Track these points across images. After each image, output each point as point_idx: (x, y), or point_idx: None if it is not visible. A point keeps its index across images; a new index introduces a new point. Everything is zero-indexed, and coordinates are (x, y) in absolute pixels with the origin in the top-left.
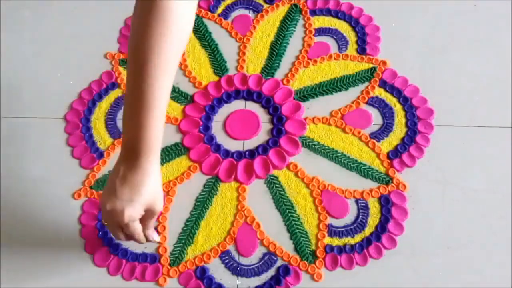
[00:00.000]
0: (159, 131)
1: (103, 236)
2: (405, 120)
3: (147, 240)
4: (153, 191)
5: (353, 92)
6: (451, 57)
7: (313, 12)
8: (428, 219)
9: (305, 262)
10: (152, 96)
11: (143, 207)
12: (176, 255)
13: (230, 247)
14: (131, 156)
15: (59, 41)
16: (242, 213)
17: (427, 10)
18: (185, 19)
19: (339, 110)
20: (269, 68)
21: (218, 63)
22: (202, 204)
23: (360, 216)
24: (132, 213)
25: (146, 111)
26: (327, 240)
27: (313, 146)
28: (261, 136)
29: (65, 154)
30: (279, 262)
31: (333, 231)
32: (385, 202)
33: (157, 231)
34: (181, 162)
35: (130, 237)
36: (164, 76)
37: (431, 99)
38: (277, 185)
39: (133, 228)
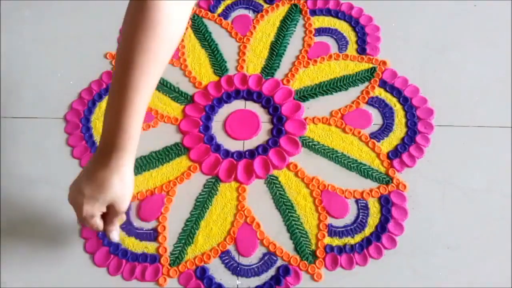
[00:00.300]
0: (135, 130)
1: (103, 236)
2: (405, 120)
3: (107, 236)
4: (118, 191)
5: (353, 92)
6: (451, 57)
7: (313, 12)
8: (428, 219)
9: (305, 262)
10: (133, 93)
11: (104, 205)
12: (176, 255)
13: (230, 247)
14: (103, 153)
15: (59, 41)
16: (242, 213)
17: (427, 10)
18: (176, 22)
19: (339, 110)
20: (269, 68)
21: (218, 63)
22: (202, 204)
23: (360, 216)
24: (89, 209)
25: (125, 106)
26: (327, 240)
27: (313, 146)
28: (261, 136)
29: (65, 154)
30: (279, 262)
31: (333, 231)
32: (385, 202)
33: (157, 231)
34: (181, 162)
35: (89, 226)
36: (148, 75)
37: (431, 99)
38: (277, 185)
39: (91, 223)
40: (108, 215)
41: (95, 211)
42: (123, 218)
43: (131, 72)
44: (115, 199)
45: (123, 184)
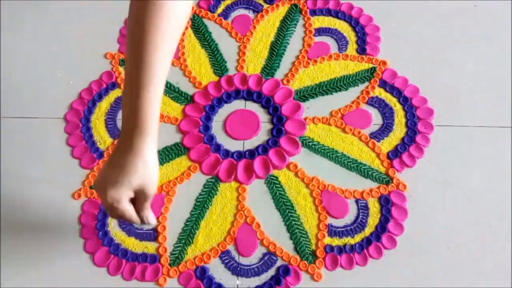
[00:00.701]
0: (154, 111)
1: (103, 236)
2: (405, 120)
3: (142, 222)
4: (144, 174)
5: (353, 92)
6: (451, 57)
7: (313, 12)
8: (428, 219)
9: (305, 262)
10: (148, 73)
11: (130, 189)
12: (176, 255)
13: (230, 247)
14: (125, 138)
15: (59, 41)
16: (242, 213)
17: (427, 10)
18: (182, 6)
19: (339, 110)
20: (269, 68)
21: (218, 63)
22: (202, 204)
23: (360, 216)
24: (114, 195)
25: (141, 88)
26: (327, 240)
27: (313, 146)
28: (261, 136)
29: (65, 154)
30: (279, 262)
31: (333, 231)
32: (385, 202)
33: (157, 231)
34: (181, 162)
35: (122, 217)
36: (161, 54)
37: (431, 99)
38: (277, 185)
39: (120, 209)
40: (137, 202)
41: (121, 195)
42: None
43: (144, 53)
44: (142, 183)
45: (147, 167)
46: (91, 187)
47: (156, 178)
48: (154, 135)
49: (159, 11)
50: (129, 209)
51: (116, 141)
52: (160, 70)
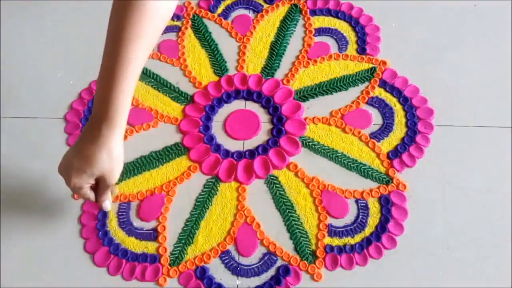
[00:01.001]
0: (124, 103)
1: (103, 236)
2: (405, 120)
3: (100, 206)
4: (106, 164)
5: (353, 92)
6: (451, 57)
7: (313, 12)
8: (428, 219)
9: (305, 262)
10: (122, 66)
11: (92, 178)
12: (176, 255)
13: (230, 247)
14: (92, 127)
15: (59, 41)
16: (242, 213)
17: (427, 10)
18: (161, 10)
19: (339, 110)
20: (269, 68)
21: (218, 63)
22: (202, 204)
23: (360, 216)
24: (77, 182)
25: (113, 80)
26: (327, 240)
27: (313, 146)
28: (261, 136)
29: None
30: (279, 262)
31: (333, 231)
32: (385, 202)
33: (157, 231)
34: (181, 162)
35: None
36: (137, 49)
37: (431, 99)
38: (277, 185)
39: (81, 194)
40: (98, 188)
41: (83, 183)
42: (114, 191)
43: (121, 47)
44: (104, 173)
45: (111, 158)
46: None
47: (119, 168)
48: (122, 127)
49: (141, 8)
50: (89, 194)
51: (83, 128)
52: (134, 65)
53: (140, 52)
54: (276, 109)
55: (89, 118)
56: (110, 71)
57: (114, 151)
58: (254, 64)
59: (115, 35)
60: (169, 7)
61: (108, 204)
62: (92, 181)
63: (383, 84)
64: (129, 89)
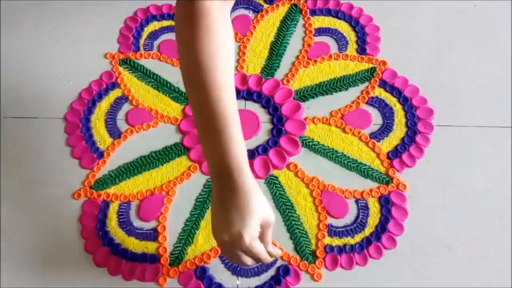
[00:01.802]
0: (241, 146)
1: (103, 236)
2: (405, 120)
3: (271, 256)
4: (261, 204)
5: (353, 92)
6: (451, 57)
7: (313, 12)
8: (428, 219)
9: (305, 262)
10: (225, 115)
11: (258, 224)
12: (176, 255)
13: None
14: (225, 181)
15: (59, 41)
16: None
17: (427, 10)
18: (229, 38)
19: (339, 110)
20: (269, 68)
21: None
22: (202, 204)
23: (360, 216)
24: (251, 233)
25: (222, 134)
26: (327, 240)
27: (313, 146)
28: (261, 136)
29: (65, 154)
30: (279, 262)
31: (333, 231)
32: (385, 202)
33: (157, 231)
34: (181, 162)
35: (256, 259)
36: (229, 94)
37: (431, 99)
38: (277, 185)
39: (256, 248)
40: (261, 235)
41: (254, 233)
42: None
43: (212, 94)
44: (264, 213)
45: (260, 196)
46: (91, 187)
47: (268, 203)
48: (247, 163)
49: (214, 49)
50: (261, 246)
51: (213, 188)
52: (233, 104)
53: (228, 90)
54: (276, 109)
55: (210, 174)
56: (212, 121)
57: (258, 190)
58: (254, 64)
59: (198, 88)
60: (232, 32)
61: (278, 248)
62: (260, 228)
63: (383, 84)
64: (239, 127)
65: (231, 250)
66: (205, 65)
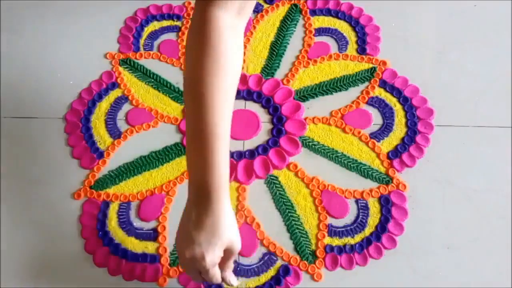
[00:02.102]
0: (225, 170)
1: (103, 236)
2: (405, 120)
3: (224, 282)
4: (230, 231)
5: (353, 92)
6: (451, 57)
7: (313, 12)
8: (428, 219)
9: (305, 262)
10: (213, 136)
11: (222, 249)
12: (176, 255)
13: None
14: (201, 198)
15: (59, 41)
16: (242, 213)
17: (427, 10)
18: (237, 54)
19: (339, 110)
20: (269, 68)
21: None
22: None
23: (360, 216)
24: (212, 258)
25: (209, 151)
26: (327, 240)
27: (313, 146)
28: (261, 136)
29: (65, 154)
30: (279, 262)
31: (333, 231)
32: (385, 202)
33: (157, 231)
34: (181, 162)
35: (208, 281)
36: (224, 116)
37: (431, 99)
38: (277, 185)
39: (213, 272)
40: (223, 260)
41: (216, 258)
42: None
43: (207, 113)
44: (231, 240)
45: (232, 223)
46: (91, 187)
47: (238, 232)
48: (227, 189)
49: (219, 70)
50: (218, 272)
51: (188, 201)
52: (225, 127)
53: (226, 113)
54: (276, 109)
55: (189, 187)
56: (201, 139)
57: (232, 215)
58: (254, 64)
59: (196, 104)
60: (241, 55)
61: (234, 278)
62: (222, 254)
63: (383, 84)
64: (226, 148)
65: (188, 266)
66: (206, 84)
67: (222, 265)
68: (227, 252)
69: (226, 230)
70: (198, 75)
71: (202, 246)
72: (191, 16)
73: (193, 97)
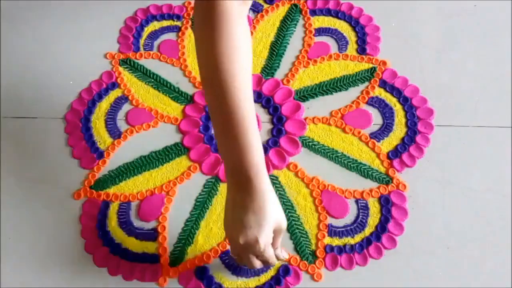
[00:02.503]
0: (260, 149)
1: (103, 236)
2: (405, 120)
3: (278, 259)
4: (276, 210)
5: (353, 92)
6: (451, 57)
7: (313, 12)
8: (428, 219)
9: (305, 262)
10: (242, 117)
11: (272, 229)
12: (176, 255)
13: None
14: (242, 182)
15: (59, 41)
16: None
17: (427, 10)
18: (247, 38)
19: (339, 110)
20: (269, 68)
21: None
22: (202, 204)
23: (360, 216)
24: (266, 239)
25: (240, 134)
26: (327, 240)
27: (313, 146)
28: (261, 136)
29: (65, 154)
30: (279, 262)
31: (333, 231)
32: (385, 202)
33: (157, 231)
34: (181, 162)
35: (265, 263)
36: (248, 96)
37: (431, 99)
38: (277, 185)
39: (268, 253)
40: (273, 240)
41: (269, 239)
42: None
43: (232, 97)
44: (279, 218)
45: (276, 201)
46: (91, 187)
47: (282, 209)
48: (265, 168)
49: (234, 50)
50: (272, 251)
51: (228, 188)
52: (251, 107)
53: (248, 93)
54: (276, 109)
55: (227, 174)
56: (231, 124)
57: (274, 194)
58: (254, 64)
59: (218, 90)
60: (249, 32)
61: (285, 252)
62: (272, 233)
63: (383, 84)
64: (257, 129)
65: (244, 253)
66: (224, 68)
67: (273, 244)
68: (276, 231)
69: (272, 210)
70: (214, 61)
71: (254, 230)
72: (194, 8)
73: (213, 84)
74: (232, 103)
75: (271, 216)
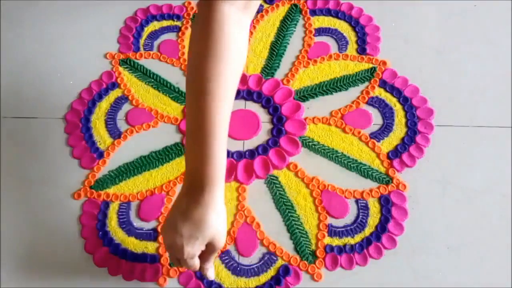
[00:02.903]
0: (222, 162)
1: (103, 236)
2: (405, 120)
3: (202, 273)
4: (215, 228)
5: (353, 92)
6: (451, 57)
7: (313, 12)
8: (428, 219)
9: (305, 262)
10: (213, 126)
11: (203, 244)
12: None
13: (230, 247)
14: (194, 190)
15: (59, 41)
16: (242, 213)
17: (427, 10)
18: (240, 48)
19: (339, 110)
20: (269, 68)
21: None
22: None
23: (360, 216)
24: (191, 250)
25: (207, 141)
26: (327, 240)
27: (313, 146)
28: (261, 136)
29: (65, 154)
30: (279, 262)
31: (333, 231)
32: (385, 202)
33: (157, 231)
34: (181, 162)
35: (186, 268)
36: (224, 107)
37: (431, 99)
38: (277, 185)
39: (190, 263)
40: (205, 253)
41: (195, 251)
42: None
43: (207, 103)
44: (214, 236)
45: (220, 220)
46: (91, 187)
47: (226, 229)
48: (222, 184)
49: (222, 62)
50: (197, 264)
51: (181, 189)
52: (224, 117)
53: (227, 102)
54: (276, 109)
55: (184, 177)
56: (201, 130)
57: (221, 211)
58: (254, 64)
59: (198, 91)
60: (245, 48)
61: (212, 272)
62: (203, 247)
63: (383, 84)
64: (223, 142)
65: (170, 253)
66: (204, 76)
67: (203, 257)
68: (209, 247)
69: (211, 226)
70: (199, 65)
71: (184, 238)
72: (196, 10)
73: (193, 86)
74: (206, 112)
75: (207, 231)
